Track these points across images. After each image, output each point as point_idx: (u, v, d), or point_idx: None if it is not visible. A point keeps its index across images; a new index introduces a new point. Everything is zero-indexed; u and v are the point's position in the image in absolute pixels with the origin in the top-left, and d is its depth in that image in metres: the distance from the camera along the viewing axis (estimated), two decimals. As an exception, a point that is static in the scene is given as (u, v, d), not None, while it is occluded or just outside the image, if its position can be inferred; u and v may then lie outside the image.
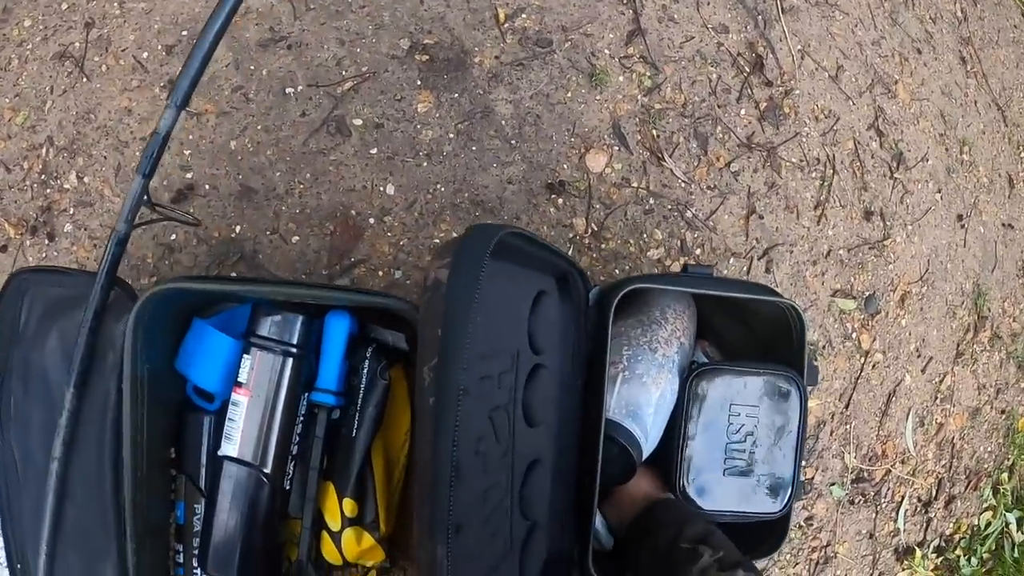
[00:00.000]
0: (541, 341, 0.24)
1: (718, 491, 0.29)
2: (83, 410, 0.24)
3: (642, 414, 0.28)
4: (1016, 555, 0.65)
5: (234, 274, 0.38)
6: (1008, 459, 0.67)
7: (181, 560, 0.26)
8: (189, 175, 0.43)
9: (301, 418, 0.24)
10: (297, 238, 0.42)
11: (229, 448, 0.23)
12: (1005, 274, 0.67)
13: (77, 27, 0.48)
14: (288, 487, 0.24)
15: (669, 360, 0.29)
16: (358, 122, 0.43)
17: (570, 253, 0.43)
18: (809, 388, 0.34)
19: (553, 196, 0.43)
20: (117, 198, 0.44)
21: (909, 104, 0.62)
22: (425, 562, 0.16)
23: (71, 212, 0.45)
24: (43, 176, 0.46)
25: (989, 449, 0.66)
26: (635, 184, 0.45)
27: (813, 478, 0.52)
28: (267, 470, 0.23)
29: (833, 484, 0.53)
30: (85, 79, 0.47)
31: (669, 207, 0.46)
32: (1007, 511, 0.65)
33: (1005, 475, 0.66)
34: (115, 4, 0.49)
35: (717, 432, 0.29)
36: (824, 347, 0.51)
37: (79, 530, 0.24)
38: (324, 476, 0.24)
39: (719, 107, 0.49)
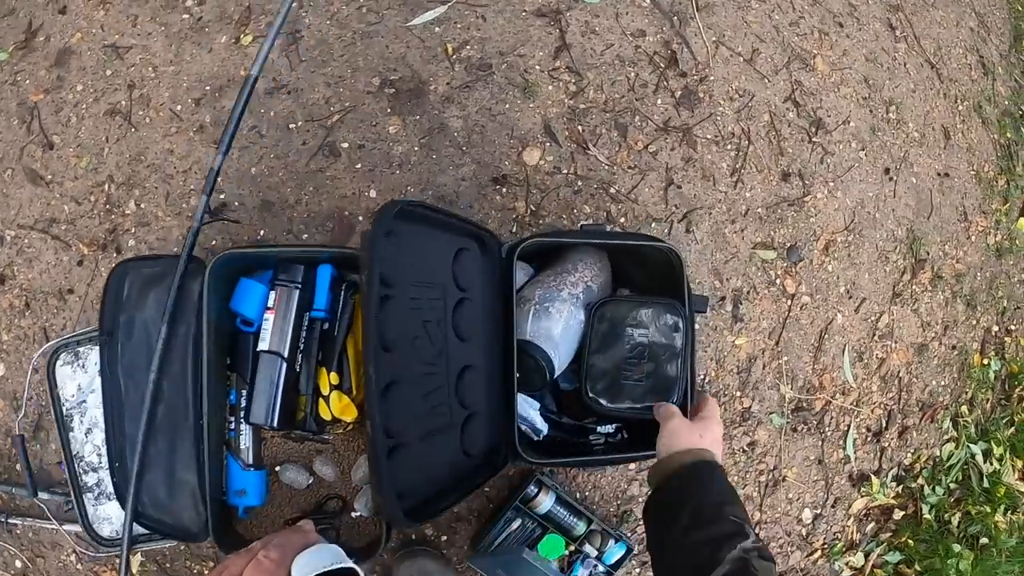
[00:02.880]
0: (464, 282, 0.42)
1: (616, 394, 0.45)
2: (172, 338, 0.45)
3: (551, 336, 0.45)
4: (986, 485, 0.79)
5: (263, 243, 0.61)
6: (966, 392, 0.82)
7: (233, 427, 0.48)
8: (223, 195, 0.66)
9: (305, 327, 0.46)
10: (306, 235, 0.63)
11: (263, 345, 0.46)
12: (943, 220, 0.83)
13: (121, 88, 0.72)
14: (298, 371, 0.46)
15: (574, 297, 0.47)
16: (345, 145, 0.65)
17: (514, 230, 0.63)
18: (700, 313, 0.52)
19: (498, 187, 0.63)
20: (169, 217, 0.67)
21: (829, 74, 0.80)
22: (365, 381, 0.35)
23: (133, 231, 0.68)
24: (107, 206, 0.70)
25: (943, 383, 0.81)
26: (565, 171, 0.65)
27: (750, 407, 0.69)
28: (285, 355, 0.45)
29: (772, 413, 0.70)
30: (133, 129, 0.70)
31: (595, 186, 0.65)
32: (971, 443, 0.80)
33: (965, 408, 0.81)
34: (150, 68, 0.73)
35: (615, 349, 0.46)
36: (749, 292, 0.69)
37: (167, 419, 0.45)
38: (319, 364, 0.46)
39: (637, 100, 0.69)
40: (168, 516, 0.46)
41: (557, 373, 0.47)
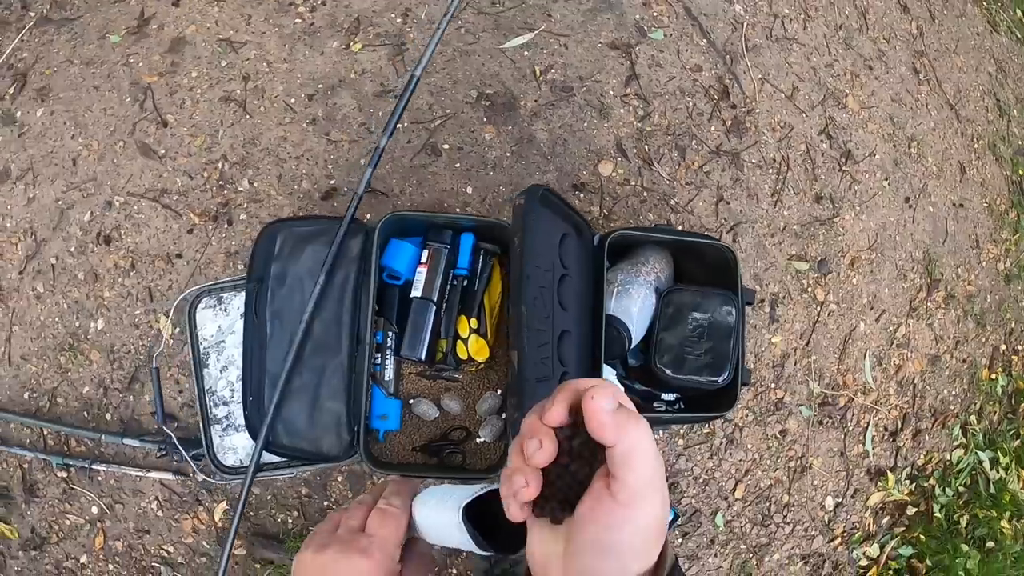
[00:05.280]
0: (567, 262, 0.64)
1: (679, 366, 0.70)
2: (328, 285, 0.66)
3: (630, 313, 0.68)
4: (992, 491, 1.04)
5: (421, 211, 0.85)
6: (975, 403, 1.08)
7: (378, 362, 0.69)
8: (332, 181, 0.90)
9: (451, 283, 0.68)
10: (408, 222, 0.88)
11: (416, 293, 0.67)
12: (957, 245, 1.11)
13: (236, 79, 0.97)
14: (442, 317, 0.67)
15: (648, 284, 0.72)
16: (446, 146, 0.90)
17: (590, 228, 0.89)
18: (748, 305, 0.78)
19: (577, 192, 0.89)
20: (281, 196, 0.91)
21: (859, 112, 1.09)
22: (514, 319, 0.59)
23: (245, 206, 0.91)
24: (220, 182, 0.93)
25: (954, 393, 1.07)
26: (633, 183, 0.92)
27: (783, 399, 0.94)
28: (434, 301, 0.67)
29: (801, 405, 0.95)
30: (248, 116, 0.94)
31: (658, 198, 0.92)
32: (979, 450, 1.05)
33: (973, 418, 1.07)
34: (264, 63, 0.98)
35: (680, 329, 0.72)
36: (784, 297, 0.95)
37: (315, 356, 0.65)
38: (459, 313, 0.68)
39: (694, 126, 0.96)
40: (305, 443, 0.67)
41: (633, 344, 0.71)
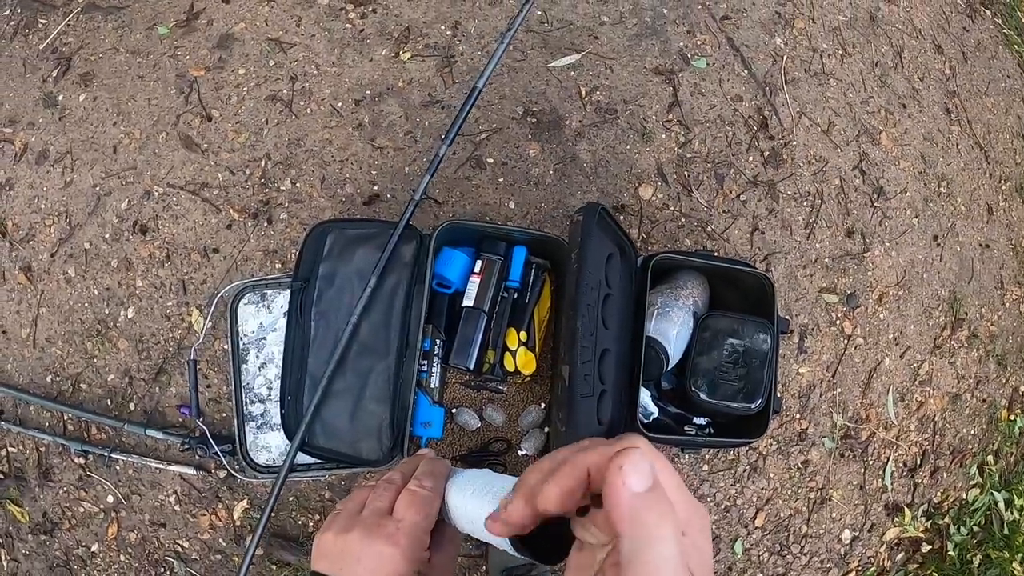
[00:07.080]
0: (611, 282, 0.69)
1: (714, 391, 0.75)
2: (378, 288, 0.69)
3: (668, 335, 0.73)
4: (1006, 532, 1.08)
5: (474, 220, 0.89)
6: (993, 444, 1.13)
7: (424, 368, 0.72)
8: (376, 187, 0.94)
9: (503, 294, 0.72)
10: (448, 232, 0.92)
11: (468, 302, 0.71)
12: (982, 285, 1.17)
13: (284, 79, 1.01)
14: (492, 328, 0.71)
15: (686, 308, 0.76)
16: (490, 160, 0.95)
17: (628, 250, 0.93)
18: (782, 334, 0.82)
19: (617, 214, 0.93)
20: (323, 198, 0.95)
21: (891, 149, 1.15)
22: (566, 337, 0.63)
23: (286, 205, 0.95)
24: (263, 180, 0.97)
25: (972, 432, 1.11)
26: (672, 208, 0.96)
27: (807, 430, 0.98)
28: (485, 310, 0.70)
29: (824, 437, 0.99)
30: (293, 116, 0.99)
31: (695, 224, 0.97)
32: (995, 490, 1.09)
33: (991, 458, 1.11)
34: (313, 66, 1.02)
35: (716, 354, 0.76)
36: (813, 329, 1.00)
37: (360, 358, 0.68)
38: (509, 325, 0.71)
39: (733, 155, 1.02)
40: (344, 445, 0.70)
41: (669, 367, 0.75)
